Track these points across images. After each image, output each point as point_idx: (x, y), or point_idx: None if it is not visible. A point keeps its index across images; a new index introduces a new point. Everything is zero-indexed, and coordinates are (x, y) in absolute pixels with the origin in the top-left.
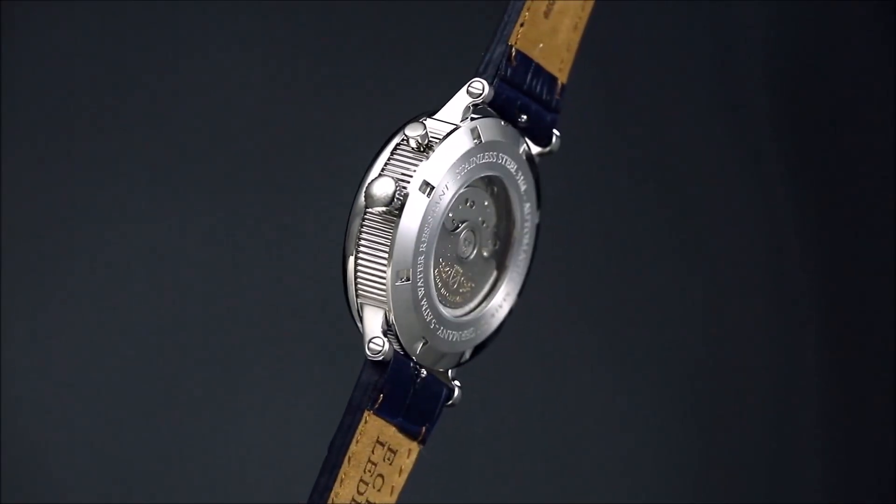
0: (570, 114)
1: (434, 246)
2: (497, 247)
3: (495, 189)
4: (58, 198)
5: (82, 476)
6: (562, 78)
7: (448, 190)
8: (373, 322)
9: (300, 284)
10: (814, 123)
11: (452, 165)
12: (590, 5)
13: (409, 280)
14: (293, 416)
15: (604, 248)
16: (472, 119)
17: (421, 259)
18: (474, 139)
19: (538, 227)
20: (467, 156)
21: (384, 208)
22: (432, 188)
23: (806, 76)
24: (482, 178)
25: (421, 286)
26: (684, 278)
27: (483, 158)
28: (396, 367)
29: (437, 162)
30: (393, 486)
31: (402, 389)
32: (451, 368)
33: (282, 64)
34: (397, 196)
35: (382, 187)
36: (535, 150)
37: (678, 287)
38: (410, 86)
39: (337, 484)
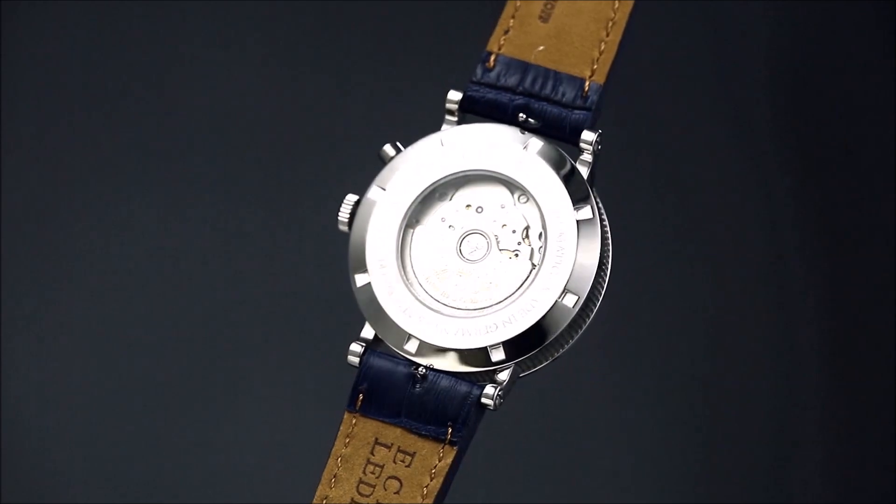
0: None
1: (406, 247)
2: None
3: (520, 193)
4: (58, 198)
5: (83, 476)
6: (596, 77)
7: (406, 192)
8: (362, 330)
9: (302, 286)
10: (815, 123)
11: (407, 170)
12: (627, 4)
13: (369, 282)
14: (294, 418)
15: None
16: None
17: (380, 260)
18: (441, 145)
19: (581, 224)
20: (426, 160)
21: (345, 227)
22: (383, 190)
23: (807, 76)
24: (503, 183)
25: (386, 286)
26: (685, 278)
27: (450, 160)
28: (371, 367)
29: (388, 170)
30: (426, 489)
31: (390, 388)
32: (487, 368)
33: (285, 65)
34: (343, 209)
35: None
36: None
37: (679, 287)
38: (416, 87)
39: (325, 486)
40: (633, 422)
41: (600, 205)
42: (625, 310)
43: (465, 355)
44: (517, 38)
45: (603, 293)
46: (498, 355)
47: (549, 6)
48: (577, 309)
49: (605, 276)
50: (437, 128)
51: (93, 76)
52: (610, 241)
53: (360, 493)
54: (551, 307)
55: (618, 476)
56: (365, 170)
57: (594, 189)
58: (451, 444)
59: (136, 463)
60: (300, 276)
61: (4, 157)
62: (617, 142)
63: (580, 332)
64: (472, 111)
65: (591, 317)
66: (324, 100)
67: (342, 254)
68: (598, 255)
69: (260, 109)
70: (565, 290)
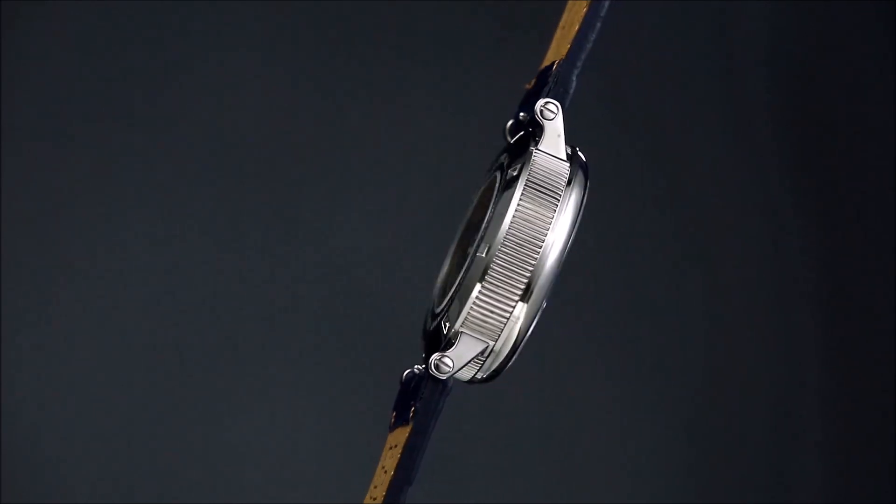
0: (569, 114)
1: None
2: None
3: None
4: (60, 200)
5: (83, 476)
6: (563, 55)
7: (461, 221)
8: None
9: (303, 288)
10: (814, 123)
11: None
12: None
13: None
14: (295, 419)
15: (604, 249)
16: None
17: (435, 286)
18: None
19: (511, 185)
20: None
21: None
22: None
23: (806, 76)
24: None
25: (429, 306)
26: (685, 278)
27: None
28: (401, 387)
29: None
30: (396, 463)
31: (403, 398)
32: (441, 351)
33: (290, 68)
34: None
35: None
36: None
37: (679, 288)
38: (418, 90)
39: (366, 498)
40: (632, 422)
41: (558, 173)
42: (624, 309)
43: (438, 340)
44: (550, 51)
45: (544, 254)
46: (446, 323)
47: (566, 16)
48: (490, 259)
49: (542, 235)
50: (446, 132)
51: (96, 77)
52: (564, 206)
53: (371, 497)
54: (472, 261)
55: (617, 476)
56: (368, 173)
57: (559, 156)
58: (412, 419)
59: (135, 465)
60: (303, 277)
61: (5, 158)
62: (617, 142)
63: (521, 292)
64: (517, 131)
65: (534, 281)
66: (329, 104)
67: (343, 256)
68: (513, 210)
69: (264, 112)
70: (484, 245)
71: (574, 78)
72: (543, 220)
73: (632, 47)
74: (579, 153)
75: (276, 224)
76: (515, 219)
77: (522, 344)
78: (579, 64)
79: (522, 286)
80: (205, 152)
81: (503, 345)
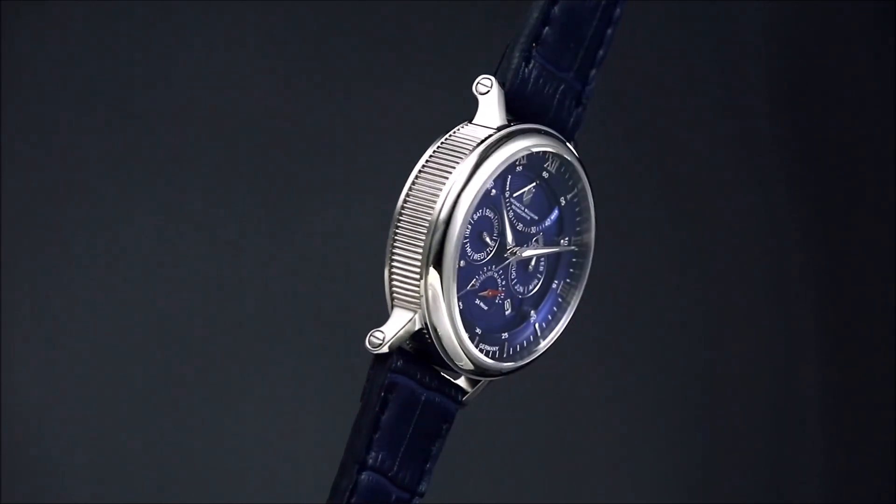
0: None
1: None
2: None
3: None
4: (59, 198)
5: (83, 477)
6: None
7: None
8: None
9: (302, 286)
10: (814, 123)
11: None
12: None
13: None
14: (294, 418)
15: (603, 249)
16: None
17: None
18: None
19: None
20: None
21: None
22: None
23: (806, 76)
24: None
25: None
26: (684, 278)
27: None
28: None
29: None
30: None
31: None
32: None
33: (286, 65)
34: None
35: None
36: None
37: (678, 287)
38: (415, 88)
39: None
40: (631, 422)
41: (470, 136)
42: (623, 309)
43: None
44: None
45: (442, 215)
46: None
47: None
48: (392, 228)
49: (435, 195)
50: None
51: (94, 77)
52: (471, 163)
53: None
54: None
55: (616, 476)
56: (368, 170)
57: (489, 125)
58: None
59: (136, 465)
60: (303, 278)
61: (5, 158)
62: (616, 141)
63: (422, 254)
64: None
65: (436, 241)
66: (326, 102)
67: (341, 256)
68: (413, 175)
69: (262, 111)
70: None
71: (517, 53)
72: (440, 179)
73: (630, 46)
74: (546, 129)
75: (277, 223)
76: (415, 182)
77: (457, 317)
78: (522, 40)
79: (421, 246)
80: (203, 150)
81: (437, 317)
